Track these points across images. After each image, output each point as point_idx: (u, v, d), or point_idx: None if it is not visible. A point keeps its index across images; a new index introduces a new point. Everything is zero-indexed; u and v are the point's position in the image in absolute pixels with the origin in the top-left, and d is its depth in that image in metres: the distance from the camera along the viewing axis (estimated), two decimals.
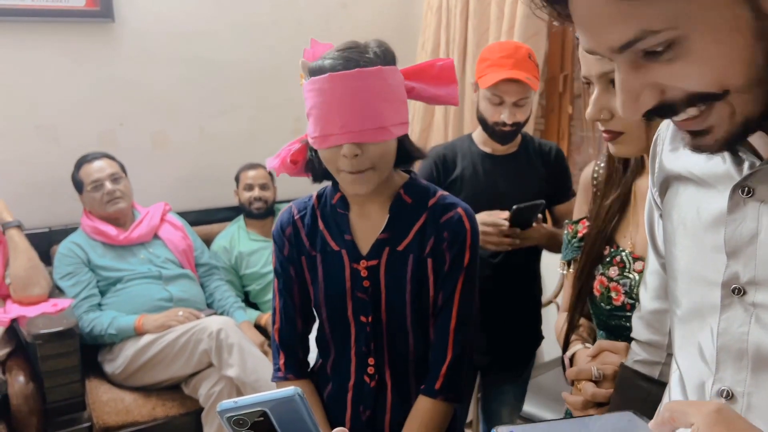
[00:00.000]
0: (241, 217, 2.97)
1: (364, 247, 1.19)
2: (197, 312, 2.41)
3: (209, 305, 2.66)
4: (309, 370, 1.32)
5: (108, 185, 2.48)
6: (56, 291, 2.40)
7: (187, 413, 2.26)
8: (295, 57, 3.50)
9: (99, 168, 2.50)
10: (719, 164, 0.69)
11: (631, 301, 1.11)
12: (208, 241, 2.92)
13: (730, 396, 0.66)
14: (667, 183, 0.80)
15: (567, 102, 2.88)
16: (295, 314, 1.26)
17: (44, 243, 2.61)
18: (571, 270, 1.26)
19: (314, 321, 1.30)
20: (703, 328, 0.69)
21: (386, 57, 1.09)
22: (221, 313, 2.60)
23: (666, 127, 0.82)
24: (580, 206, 1.31)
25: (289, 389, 0.55)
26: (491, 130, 1.80)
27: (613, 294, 1.14)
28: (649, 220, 0.89)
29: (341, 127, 1.04)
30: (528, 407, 2.09)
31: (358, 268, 1.18)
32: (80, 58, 2.73)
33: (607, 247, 1.16)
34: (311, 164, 1.19)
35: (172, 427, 2.23)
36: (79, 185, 2.51)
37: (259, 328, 2.67)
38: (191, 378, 2.29)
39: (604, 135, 1.04)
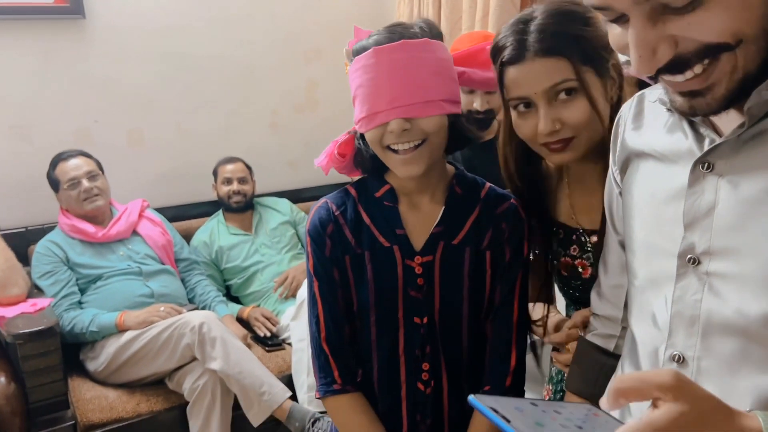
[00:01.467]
0: (220, 212, 2.97)
1: (417, 242, 1.11)
2: (179, 307, 2.41)
3: (190, 300, 2.66)
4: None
5: (85, 183, 2.47)
6: (35, 291, 2.38)
7: (172, 408, 2.26)
8: (270, 49, 3.50)
9: (75, 166, 2.48)
10: (681, 141, 0.72)
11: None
12: (187, 236, 2.92)
13: (681, 360, 0.69)
14: (628, 161, 0.83)
15: None
16: (342, 319, 1.14)
17: (22, 243, 2.59)
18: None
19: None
20: (658, 297, 0.73)
21: (432, 32, 1.04)
22: (203, 308, 2.60)
23: (628, 109, 0.85)
24: None
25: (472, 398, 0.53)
26: (466, 118, 1.83)
27: (580, 269, 1.17)
28: (609, 198, 0.92)
29: (389, 102, 0.98)
30: None
31: (412, 264, 1.10)
32: (52, 56, 2.71)
33: (561, 231, 1.19)
34: (359, 155, 1.12)
35: (158, 422, 2.23)
36: (55, 184, 2.50)
37: (241, 321, 2.68)
38: (175, 372, 2.29)
39: (555, 147, 1.03)
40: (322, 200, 1.17)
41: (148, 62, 2.91)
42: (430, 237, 1.10)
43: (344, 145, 1.12)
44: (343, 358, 1.15)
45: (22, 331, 2.06)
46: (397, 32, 1.01)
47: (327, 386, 1.15)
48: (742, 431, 0.52)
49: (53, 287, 2.36)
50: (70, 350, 2.34)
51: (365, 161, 1.11)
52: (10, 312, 2.19)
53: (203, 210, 3.08)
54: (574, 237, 1.17)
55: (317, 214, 1.15)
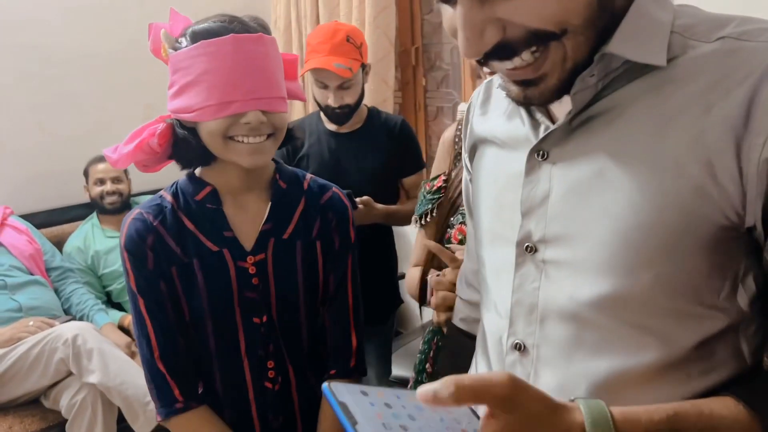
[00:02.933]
0: (94, 214, 2.80)
1: (248, 242, 1.08)
2: (50, 320, 2.26)
3: (66, 311, 2.50)
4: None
5: None
6: None
7: (50, 427, 2.13)
8: (139, 40, 3.30)
9: None
10: (519, 127, 0.73)
11: None
12: (61, 242, 2.74)
13: (522, 348, 0.70)
14: (475, 147, 0.83)
15: (420, 74, 2.94)
16: (175, 333, 1.08)
17: None
18: (423, 223, 1.33)
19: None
20: (501, 284, 0.74)
21: (267, 29, 1.05)
22: (80, 318, 2.45)
23: (477, 95, 0.86)
24: (439, 164, 1.37)
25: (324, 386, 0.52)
26: (324, 111, 1.84)
27: None
28: (465, 184, 0.93)
29: (246, 93, 0.96)
30: (399, 371, 2.15)
31: (245, 265, 1.07)
32: None
33: (460, 200, 1.23)
34: (183, 145, 1.03)
35: None
36: None
37: (123, 329, 2.54)
38: (51, 389, 2.15)
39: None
40: (134, 211, 1.09)
41: (1, 57, 2.68)
42: (260, 235, 1.09)
43: (162, 135, 1.04)
44: (181, 374, 1.09)
45: None
46: (248, 25, 1.01)
47: (168, 407, 1.09)
48: (568, 425, 0.54)
49: None
50: None
51: (190, 151, 1.04)
52: None
53: (76, 213, 2.89)
54: None
55: (133, 227, 1.06)
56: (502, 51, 0.59)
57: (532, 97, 0.64)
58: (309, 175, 1.18)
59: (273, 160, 1.15)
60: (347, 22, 2.74)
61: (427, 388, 0.50)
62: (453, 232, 1.24)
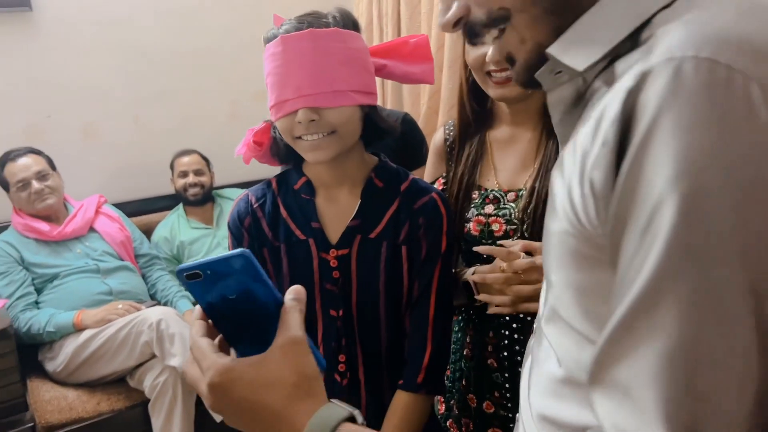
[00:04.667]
0: (180, 206, 2.93)
1: (334, 235, 1.10)
2: (137, 304, 2.38)
3: (152, 296, 2.63)
4: None
5: (35, 184, 2.41)
6: None
7: (134, 406, 2.24)
8: (226, 39, 3.42)
9: (24, 166, 2.42)
10: None
11: (512, 227, 1.19)
12: (149, 231, 2.88)
13: None
14: None
15: None
16: None
17: None
18: None
19: None
20: None
21: (345, 21, 1.02)
22: (165, 303, 2.58)
23: None
24: (434, 169, 1.38)
25: (237, 250, 0.59)
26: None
27: (494, 227, 1.21)
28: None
29: (295, 91, 0.97)
30: None
31: (327, 257, 1.09)
32: None
33: (476, 192, 1.25)
34: (275, 145, 1.11)
35: (119, 421, 2.20)
36: (4, 184, 2.44)
37: None
38: (135, 370, 2.26)
39: (498, 80, 1.13)
40: (244, 192, 1.16)
41: (99, 54, 2.85)
42: (346, 230, 1.09)
43: (260, 133, 1.11)
44: None
45: None
46: (306, 21, 1.00)
47: None
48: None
49: (8, 288, 2.31)
50: (28, 351, 2.31)
51: (280, 151, 1.11)
52: None
53: (164, 204, 3.04)
54: (490, 197, 1.23)
55: (237, 207, 1.14)
56: (469, 30, 0.62)
57: (508, 97, 0.70)
58: (413, 177, 1.15)
59: (377, 155, 1.16)
60: (428, 21, 2.74)
61: None
62: (471, 226, 1.23)
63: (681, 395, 0.45)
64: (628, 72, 0.51)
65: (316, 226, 1.09)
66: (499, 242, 1.16)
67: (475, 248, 1.15)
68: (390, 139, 1.98)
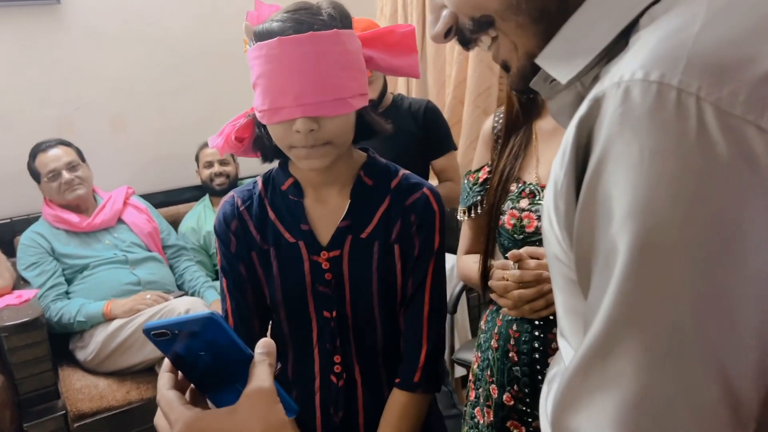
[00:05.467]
0: (206, 197, 2.95)
1: (324, 236, 1.06)
2: (165, 294, 2.41)
3: (179, 287, 2.65)
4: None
5: (65, 175, 2.44)
6: (21, 282, 2.38)
7: None
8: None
9: (54, 157, 2.46)
10: None
11: None
12: (176, 222, 2.91)
13: None
14: None
15: None
16: (251, 315, 1.11)
17: (7, 234, 2.59)
18: (472, 215, 1.35)
19: (269, 321, 1.16)
20: None
21: (342, 19, 0.95)
22: (192, 294, 2.60)
23: None
24: (481, 156, 1.37)
25: (205, 312, 0.58)
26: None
27: (525, 222, 1.20)
28: None
29: (294, 99, 0.90)
30: None
31: (319, 260, 1.05)
32: (27, 43, 2.67)
33: (514, 184, 1.24)
34: (260, 142, 1.05)
35: (148, 410, 2.23)
36: (36, 175, 2.47)
37: None
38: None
39: None
40: (230, 194, 1.12)
41: (127, 46, 2.87)
42: (337, 231, 1.06)
43: (243, 129, 1.05)
44: None
45: (7, 324, 2.06)
46: (305, 22, 0.91)
47: None
48: None
49: (39, 278, 2.35)
50: (59, 340, 2.34)
51: (265, 149, 1.06)
52: None
53: (191, 195, 3.07)
54: (527, 191, 1.22)
55: (222, 210, 1.10)
56: (460, 37, 0.61)
57: (511, 84, 0.64)
58: (403, 172, 1.11)
59: (366, 152, 1.11)
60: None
61: None
62: (505, 218, 1.23)
63: None
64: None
65: (305, 228, 1.06)
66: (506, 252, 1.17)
67: (525, 251, 1.15)
68: (416, 128, 1.97)
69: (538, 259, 1.13)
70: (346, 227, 1.06)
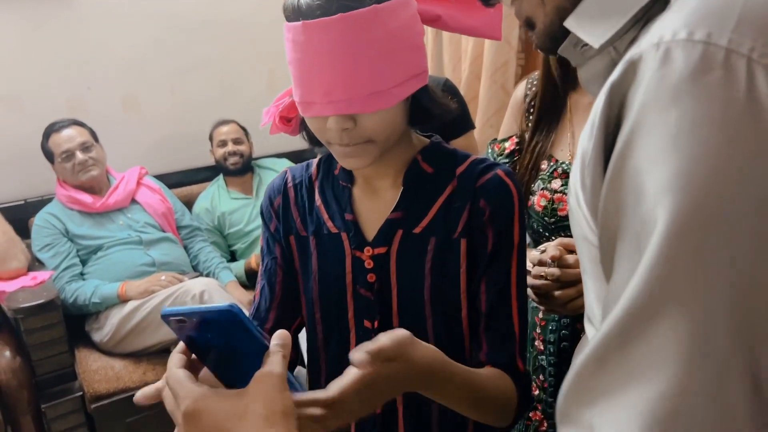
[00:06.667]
0: (220, 177, 2.92)
1: (371, 231, 0.91)
2: (180, 275, 2.39)
3: (194, 267, 2.64)
4: None
5: (79, 155, 2.42)
6: (36, 263, 2.37)
7: None
8: (263, 7, 3.37)
9: (68, 137, 2.43)
10: None
11: None
12: (190, 202, 2.89)
13: None
14: None
15: None
16: (273, 305, 0.96)
17: (21, 215, 2.58)
18: None
19: (296, 319, 1.00)
20: None
21: None
22: (207, 275, 2.58)
23: None
24: (509, 125, 1.28)
25: (224, 304, 0.58)
26: None
27: (558, 205, 1.11)
28: None
29: (324, 95, 0.77)
30: None
31: (362, 257, 0.90)
32: (39, 23, 2.63)
33: (545, 162, 1.15)
34: (304, 125, 0.91)
35: None
36: (49, 155, 2.45)
37: (252, 273, 2.66)
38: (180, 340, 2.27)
39: None
40: (284, 169, 1.01)
41: (138, 25, 2.83)
42: (385, 224, 0.90)
43: (287, 109, 0.92)
44: None
45: (22, 305, 2.06)
46: (334, 0, 0.75)
47: None
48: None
49: (54, 259, 2.34)
50: (76, 322, 2.34)
51: (310, 134, 0.92)
52: (10, 286, 2.18)
53: (204, 175, 3.04)
54: (559, 170, 1.13)
55: (271, 185, 0.99)
56: None
57: (538, 45, 0.60)
58: (474, 158, 0.92)
59: (427, 136, 0.96)
60: None
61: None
62: (535, 199, 1.15)
63: None
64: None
65: (349, 218, 0.91)
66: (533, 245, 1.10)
67: (560, 241, 1.05)
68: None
69: (575, 252, 1.03)
70: (397, 220, 0.90)
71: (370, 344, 0.66)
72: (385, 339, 0.66)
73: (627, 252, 0.40)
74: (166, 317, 0.61)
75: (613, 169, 0.41)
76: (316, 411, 0.62)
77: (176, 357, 0.62)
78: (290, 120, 0.93)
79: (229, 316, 0.58)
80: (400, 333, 0.68)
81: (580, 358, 0.42)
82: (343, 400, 0.64)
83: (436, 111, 0.88)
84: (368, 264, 0.90)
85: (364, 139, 0.81)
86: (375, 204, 0.92)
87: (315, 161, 1.00)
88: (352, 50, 0.75)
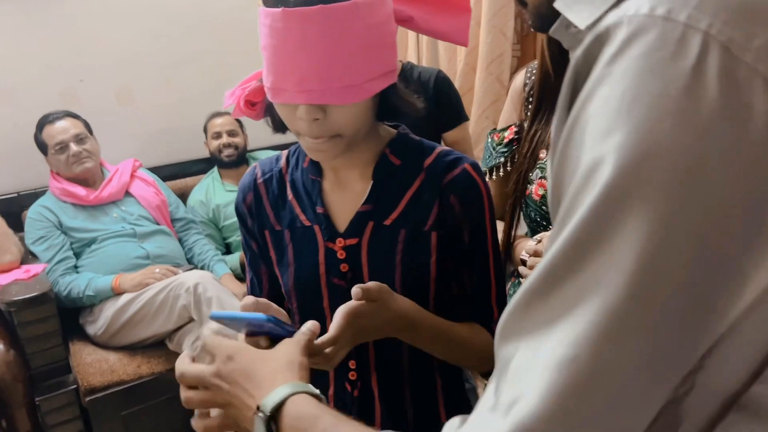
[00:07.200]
0: (215, 169, 2.91)
1: (342, 222, 0.94)
2: (174, 268, 2.38)
3: (189, 260, 2.63)
4: None
5: (73, 147, 2.40)
6: (29, 257, 2.36)
7: (173, 369, 2.22)
8: None
9: (62, 129, 2.41)
10: None
11: None
12: (184, 195, 2.88)
13: None
14: None
15: None
16: (262, 296, 0.99)
17: (14, 208, 2.56)
18: (494, 177, 1.26)
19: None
20: None
21: None
22: (201, 267, 2.57)
23: None
24: (508, 114, 1.28)
25: (264, 316, 0.71)
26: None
27: None
28: None
29: (296, 84, 0.78)
30: None
31: (334, 247, 0.93)
32: (31, 13, 2.61)
33: (544, 151, 1.15)
34: (270, 110, 0.92)
35: (159, 383, 2.22)
36: (43, 147, 2.44)
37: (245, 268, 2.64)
38: (175, 333, 2.27)
39: None
40: (253, 165, 1.02)
41: (131, 17, 2.81)
42: (356, 217, 0.92)
43: (254, 93, 0.92)
44: None
45: (15, 298, 2.05)
46: None
47: None
48: None
49: (47, 252, 2.33)
50: (70, 315, 2.33)
51: (275, 119, 0.92)
52: (3, 279, 2.17)
53: (198, 168, 3.03)
54: None
55: (242, 182, 1.00)
56: None
57: (530, 23, 0.60)
58: (441, 149, 0.95)
59: (395, 128, 0.97)
60: None
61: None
62: (533, 188, 1.15)
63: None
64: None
65: (321, 211, 0.94)
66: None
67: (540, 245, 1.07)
68: (425, 98, 1.91)
69: None
70: (367, 212, 0.92)
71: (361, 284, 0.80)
72: (371, 283, 0.80)
73: (561, 221, 0.41)
74: (214, 319, 0.75)
75: (561, 145, 0.42)
76: (327, 350, 0.76)
77: (211, 328, 0.77)
78: (255, 104, 0.94)
79: (269, 322, 0.72)
80: (382, 283, 0.82)
81: (515, 297, 0.43)
82: (340, 335, 0.77)
83: (404, 108, 0.90)
84: (341, 255, 0.93)
85: (332, 133, 0.83)
86: (345, 196, 0.95)
87: (284, 153, 1.01)
88: (329, 42, 0.76)
